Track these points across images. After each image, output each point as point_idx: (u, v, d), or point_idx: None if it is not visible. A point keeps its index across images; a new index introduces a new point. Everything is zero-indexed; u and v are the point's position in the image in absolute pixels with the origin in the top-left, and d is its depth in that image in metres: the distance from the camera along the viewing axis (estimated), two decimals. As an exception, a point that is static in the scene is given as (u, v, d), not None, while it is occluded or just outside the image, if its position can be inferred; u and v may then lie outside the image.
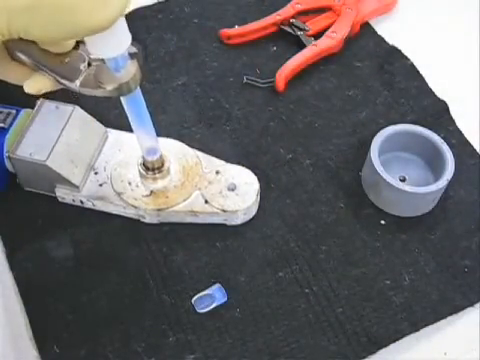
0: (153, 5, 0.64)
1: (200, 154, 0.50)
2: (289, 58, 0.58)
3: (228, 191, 0.48)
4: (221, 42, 0.62)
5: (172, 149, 0.50)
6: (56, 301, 0.45)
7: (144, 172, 0.48)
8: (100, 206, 0.48)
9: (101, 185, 0.49)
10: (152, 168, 0.47)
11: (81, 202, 0.49)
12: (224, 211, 0.47)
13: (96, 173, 0.49)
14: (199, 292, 0.45)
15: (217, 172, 0.49)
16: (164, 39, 0.62)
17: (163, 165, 0.48)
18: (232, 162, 0.51)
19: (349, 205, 0.50)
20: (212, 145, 0.53)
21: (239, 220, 0.48)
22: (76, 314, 0.44)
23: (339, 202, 0.51)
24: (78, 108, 0.49)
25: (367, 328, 0.44)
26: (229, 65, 0.60)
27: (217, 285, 0.45)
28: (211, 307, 0.44)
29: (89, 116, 0.50)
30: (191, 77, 0.59)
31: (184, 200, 0.47)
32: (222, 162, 0.50)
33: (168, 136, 0.51)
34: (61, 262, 0.47)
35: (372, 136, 0.50)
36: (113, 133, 0.51)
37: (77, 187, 0.48)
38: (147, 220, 0.48)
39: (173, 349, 0.43)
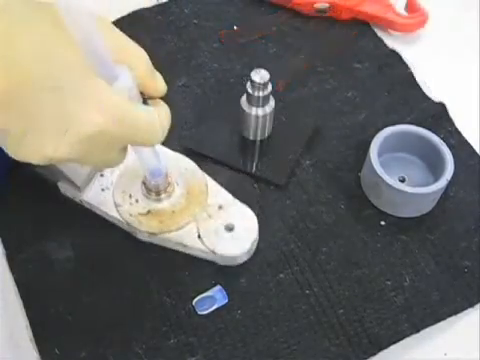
0: (153, 7, 0.64)
1: (210, 183, 0.48)
2: (289, 59, 0.59)
3: (224, 231, 0.45)
4: (221, 43, 0.62)
5: (184, 170, 0.48)
6: (56, 303, 0.45)
7: (147, 192, 0.46)
8: (97, 211, 0.48)
9: (103, 190, 0.48)
10: (156, 191, 0.46)
11: (80, 201, 0.48)
12: (213, 252, 0.45)
13: (102, 175, 0.48)
14: (200, 294, 0.45)
15: (220, 207, 0.47)
16: (164, 40, 0.62)
17: (168, 187, 0.46)
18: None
19: (349, 206, 0.51)
20: (212, 146, 0.53)
21: (227, 263, 0.46)
22: (76, 316, 0.44)
23: (339, 203, 0.51)
24: None
25: (368, 329, 0.44)
26: (229, 66, 0.60)
27: (218, 287, 0.45)
28: (212, 309, 0.44)
29: None
30: (191, 78, 0.59)
31: (177, 229, 0.46)
32: (229, 197, 0.48)
33: (169, 137, 0.51)
34: (62, 264, 0.47)
35: (371, 137, 0.50)
36: None
37: (78, 187, 0.47)
38: (139, 237, 0.47)
39: (174, 351, 0.43)
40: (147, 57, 0.34)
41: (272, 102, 0.51)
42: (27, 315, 0.44)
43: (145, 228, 0.45)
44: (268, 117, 0.52)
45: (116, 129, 0.31)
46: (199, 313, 0.44)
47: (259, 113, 0.51)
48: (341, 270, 0.47)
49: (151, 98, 0.35)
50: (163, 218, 0.46)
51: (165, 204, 0.46)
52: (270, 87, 0.49)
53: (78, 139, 0.30)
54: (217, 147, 0.53)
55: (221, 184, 0.48)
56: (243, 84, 0.50)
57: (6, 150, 0.32)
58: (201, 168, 0.52)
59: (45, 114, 0.29)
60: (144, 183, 0.46)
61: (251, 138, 0.54)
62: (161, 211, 0.46)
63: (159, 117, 0.33)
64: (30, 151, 0.31)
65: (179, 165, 0.48)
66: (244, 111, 0.51)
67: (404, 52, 0.61)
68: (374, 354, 0.43)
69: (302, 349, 0.43)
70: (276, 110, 0.52)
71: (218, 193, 0.48)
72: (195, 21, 0.63)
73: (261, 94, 0.49)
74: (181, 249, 0.46)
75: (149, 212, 0.46)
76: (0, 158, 0.46)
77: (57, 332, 0.44)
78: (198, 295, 0.45)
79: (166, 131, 0.34)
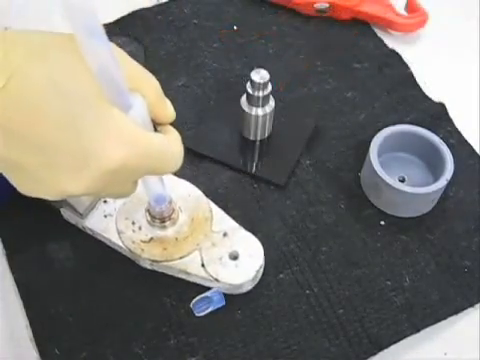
0: (153, 7, 0.64)
1: (214, 209, 0.47)
2: (289, 59, 0.59)
3: (229, 259, 0.44)
4: (221, 43, 0.62)
5: (188, 196, 0.47)
6: (57, 303, 0.45)
7: (151, 219, 0.45)
8: (99, 237, 0.47)
9: (106, 216, 0.47)
10: (160, 218, 0.45)
11: (83, 227, 0.47)
12: (217, 280, 0.44)
13: (105, 201, 0.47)
14: (200, 294, 0.45)
15: (225, 234, 0.46)
16: (164, 40, 0.62)
17: (172, 214, 0.45)
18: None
19: (349, 206, 0.51)
20: (212, 146, 0.53)
21: (230, 292, 0.45)
22: (77, 316, 0.44)
23: (339, 203, 0.51)
24: None
25: (368, 329, 0.44)
26: (229, 66, 0.60)
27: (216, 289, 0.45)
28: (208, 311, 0.44)
29: None
30: (191, 78, 0.59)
31: (181, 257, 0.45)
32: (234, 224, 0.47)
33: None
34: (62, 264, 0.47)
35: (371, 137, 0.50)
36: None
37: (81, 214, 0.46)
38: (141, 264, 0.46)
39: (174, 351, 0.43)
40: (158, 84, 0.33)
41: (272, 102, 0.51)
42: (27, 315, 0.44)
43: (147, 256, 0.45)
44: (268, 117, 0.52)
45: (137, 161, 0.30)
46: (197, 315, 0.44)
47: (259, 113, 0.51)
48: (341, 270, 0.47)
49: (160, 125, 0.34)
50: (167, 246, 0.45)
51: (169, 231, 0.46)
52: (270, 87, 0.49)
53: (100, 174, 0.29)
54: (217, 147, 0.53)
55: (222, 187, 0.48)
56: (243, 84, 0.50)
57: (15, 185, 0.30)
58: (201, 168, 0.52)
59: (63, 149, 0.28)
60: (148, 210, 0.45)
61: (251, 138, 0.54)
62: (164, 238, 0.45)
63: (171, 144, 0.33)
64: (44, 187, 0.30)
65: (183, 191, 0.47)
66: (244, 111, 0.51)
67: (404, 52, 0.61)
68: (374, 354, 0.43)
69: (302, 349, 0.43)
70: (276, 110, 0.52)
71: (223, 220, 0.47)
72: (195, 21, 0.63)
73: (261, 94, 0.49)
74: (184, 277, 0.45)
75: (152, 239, 0.45)
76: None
77: (57, 332, 0.44)
78: (198, 296, 0.45)
79: (182, 158, 0.34)
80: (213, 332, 0.44)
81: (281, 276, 0.46)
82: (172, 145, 0.33)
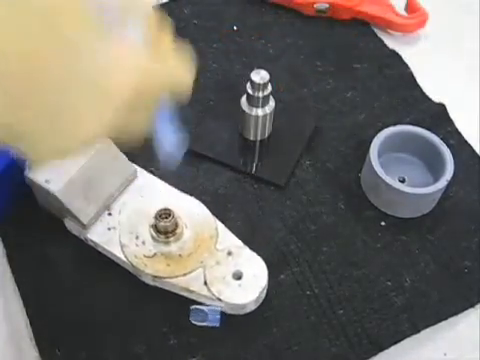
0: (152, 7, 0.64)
1: (220, 227, 0.46)
2: (289, 59, 0.59)
3: (232, 279, 0.44)
4: (221, 43, 0.62)
5: (194, 214, 0.47)
6: (57, 303, 0.45)
7: (155, 234, 0.45)
8: (101, 250, 0.46)
9: (109, 229, 0.46)
10: (164, 231, 0.44)
11: (85, 239, 0.47)
12: (219, 300, 0.43)
13: (110, 214, 0.47)
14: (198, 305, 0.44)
15: (229, 253, 0.45)
16: (163, 40, 0.61)
17: (176, 229, 0.45)
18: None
19: (349, 206, 0.51)
20: (212, 146, 0.53)
21: (233, 312, 0.44)
22: (77, 316, 0.44)
23: (339, 203, 0.51)
24: (110, 141, 0.44)
25: (368, 329, 0.44)
26: (229, 66, 0.60)
27: (219, 308, 0.44)
28: (202, 324, 0.44)
29: (119, 152, 0.46)
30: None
31: (184, 275, 0.44)
32: (239, 242, 0.46)
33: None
34: (62, 264, 0.47)
35: (371, 137, 0.50)
36: (144, 176, 0.48)
37: (84, 225, 0.45)
38: (143, 280, 0.45)
39: (174, 352, 0.43)
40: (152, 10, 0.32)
41: (272, 102, 0.51)
42: (27, 315, 0.44)
43: (150, 271, 0.44)
44: (268, 117, 0.52)
45: (151, 76, 0.29)
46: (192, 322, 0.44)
47: (259, 113, 0.51)
48: (341, 270, 0.47)
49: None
50: (170, 262, 0.44)
51: (173, 247, 0.45)
52: (270, 87, 0.49)
53: (120, 98, 0.27)
54: (217, 147, 0.53)
55: (222, 186, 0.48)
56: (243, 84, 0.50)
57: (28, 156, 0.28)
58: (201, 169, 0.52)
59: (72, 88, 0.26)
60: (153, 225, 0.45)
61: (251, 138, 0.54)
62: (168, 254, 0.45)
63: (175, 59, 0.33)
64: (63, 140, 0.27)
65: (190, 208, 0.47)
66: (244, 111, 0.51)
67: (404, 52, 0.61)
68: (374, 354, 0.43)
69: (302, 349, 0.43)
70: (276, 110, 0.52)
71: (228, 238, 0.46)
72: (195, 21, 0.63)
73: (261, 94, 0.49)
74: (186, 294, 0.44)
75: (155, 255, 0.45)
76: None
77: (57, 332, 0.44)
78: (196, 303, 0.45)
79: (190, 73, 0.33)
80: (213, 332, 0.44)
81: (281, 277, 0.46)
82: (176, 60, 0.33)
